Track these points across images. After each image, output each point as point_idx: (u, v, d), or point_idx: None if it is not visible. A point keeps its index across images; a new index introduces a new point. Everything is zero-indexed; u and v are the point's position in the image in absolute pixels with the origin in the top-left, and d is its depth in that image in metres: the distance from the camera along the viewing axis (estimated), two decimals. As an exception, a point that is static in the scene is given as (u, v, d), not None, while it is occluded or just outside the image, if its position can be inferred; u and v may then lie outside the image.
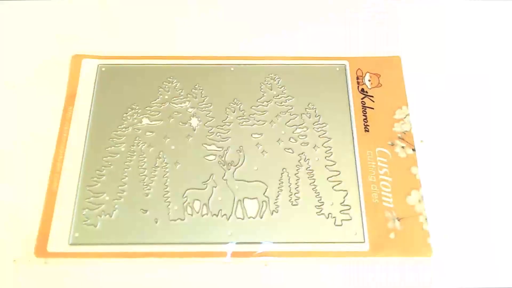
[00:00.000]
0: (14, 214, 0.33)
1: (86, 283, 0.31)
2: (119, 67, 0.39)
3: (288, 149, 0.36)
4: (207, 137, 0.36)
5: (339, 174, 0.35)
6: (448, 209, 0.34)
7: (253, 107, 0.37)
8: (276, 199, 0.34)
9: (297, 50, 0.40)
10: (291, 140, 0.36)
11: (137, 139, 0.36)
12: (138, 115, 0.37)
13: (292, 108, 0.37)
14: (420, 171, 0.35)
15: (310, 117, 0.37)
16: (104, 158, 0.35)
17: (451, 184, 0.35)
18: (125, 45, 0.40)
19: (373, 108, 0.37)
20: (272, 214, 0.33)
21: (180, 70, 0.39)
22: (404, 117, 0.37)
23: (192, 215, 0.33)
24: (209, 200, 0.34)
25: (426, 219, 0.33)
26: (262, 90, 0.38)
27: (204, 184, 0.34)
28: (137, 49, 0.40)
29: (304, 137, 0.36)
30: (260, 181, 0.35)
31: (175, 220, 0.33)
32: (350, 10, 0.43)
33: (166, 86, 0.38)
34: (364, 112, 0.37)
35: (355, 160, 0.35)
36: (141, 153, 0.35)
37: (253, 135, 0.36)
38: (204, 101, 0.38)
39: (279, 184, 0.34)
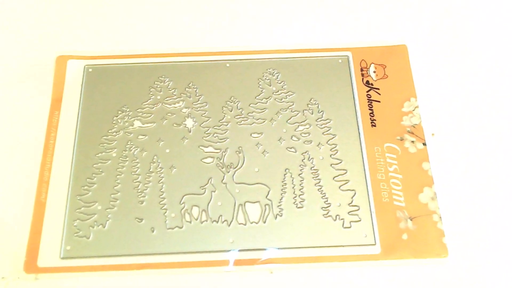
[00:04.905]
0: (0, 228, 0.33)
1: (80, 299, 0.32)
2: (107, 67, 0.39)
3: (291, 148, 0.36)
4: (204, 138, 0.36)
5: (346, 173, 0.35)
6: (464, 206, 0.34)
7: (251, 105, 0.37)
8: (279, 202, 0.34)
9: (296, 42, 0.40)
10: (293, 138, 0.36)
11: (129, 143, 0.36)
12: (129, 117, 0.37)
13: (293, 104, 0.37)
14: (432, 167, 0.35)
15: (312, 113, 0.37)
16: (94, 165, 0.35)
17: (466, 179, 0.35)
18: (113, 43, 0.40)
19: (379, 101, 0.37)
20: (276, 218, 0.33)
21: (172, 68, 0.39)
22: (413, 110, 0.37)
23: (190, 222, 0.33)
24: (208, 205, 0.34)
25: (440, 217, 0.33)
26: (260, 87, 0.38)
27: (202, 189, 0.34)
28: (126, 47, 0.40)
29: (307, 134, 0.36)
30: (261, 184, 0.35)
31: (172, 229, 0.33)
32: (351, -2, 0.43)
33: (158, 86, 0.38)
34: (370, 106, 0.37)
35: (363, 157, 0.35)
36: (134, 158, 0.35)
37: (253, 135, 0.36)
38: (199, 100, 0.38)
39: (282, 185, 0.34)
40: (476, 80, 0.39)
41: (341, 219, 0.33)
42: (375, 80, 0.38)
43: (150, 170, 0.35)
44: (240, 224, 0.33)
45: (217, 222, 0.33)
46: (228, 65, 0.39)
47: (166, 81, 0.38)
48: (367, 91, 0.38)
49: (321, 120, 0.37)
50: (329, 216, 0.33)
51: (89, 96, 0.37)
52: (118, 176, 0.35)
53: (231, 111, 0.37)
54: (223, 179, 0.35)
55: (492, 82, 0.39)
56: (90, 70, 0.38)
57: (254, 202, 0.34)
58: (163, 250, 0.32)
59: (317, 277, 0.32)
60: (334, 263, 0.32)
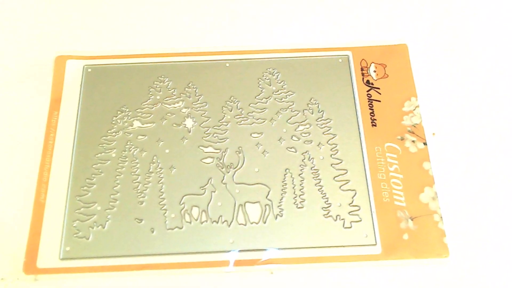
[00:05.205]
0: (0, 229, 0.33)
1: (80, 300, 0.32)
2: (106, 68, 0.39)
3: (291, 148, 0.36)
4: (204, 138, 0.36)
5: (346, 172, 0.35)
6: (465, 206, 0.34)
7: (251, 105, 0.37)
8: (279, 202, 0.34)
9: (296, 42, 0.40)
10: (294, 138, 0.36)
11: (128, 143, 0.36)
12: (129, 118, 0.37)
13: (293, 104, 0.37)
14: (433, 166, 0.35)
15: (312, 113, 0.37)
16: (94, 166, 0.35)
17: (467, 179, 0.35)
18: (112, 43, 0.40)
19: (380, 101, 0.37)
20: (276, 218, 0.33)
21: (172, 68, 0.39)
22: (414, 109, 0.37)
23: (190, 222, 0.33)
24: (208, 206, 0.34)
25: (441, 217, 0.33)
26: (260, 86, 0.38)
27: (202, 189, 0.34)
28: (125, 47, 0.40)
29: (307, 134, 0.36)
30: (262, 184, 0.34)
31: (172, 229, 0.33)
32: (351, -3, 0.43)
33: (157, 86, 0.38)
34: (371, 106, 0.37)
35: (363, 157, 0.35)
36: (134, 158, 0.35)
37: (253, 135, 0.36)
38: (198, 100, 0.37)
39: (283, 186, 0.34)
40: (476, 80, 0.39)
41: (342, 219, 0.33)
42: (376, 80, 0.38)
43: (150, 171, 0.35)
44: (240, 224, 0.33)
45: (217, 222, 0.33)
46: (227, 64, 0.39)
47: (166, 81, 0.38)
48: (368, 91, 0.38)
49: (321, 120, 0.37)
50: (329, 216, 0.33)
51: (88, 96, 0.37)
52: (117, 177, 0.34)
53: (231, 111, 0.37)
54: (223, 179, 0.35)
55: (493, 82, 0.39)
56: (89, 70, 0.38)
57: (254, 203, 0.34)
58: (163, 251, 0.32)
59: (318, 278, 0.32)
60: (334, 263, 0.32)
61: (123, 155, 0.35)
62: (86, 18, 0.41)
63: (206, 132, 0.36)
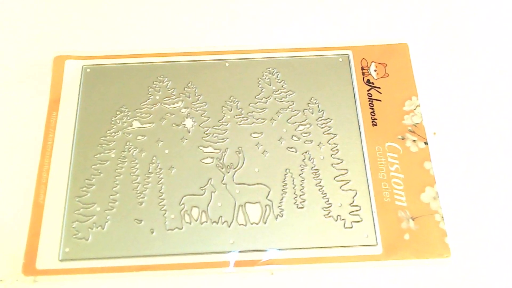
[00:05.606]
0: (-2, 230, 0.33)
1: (79, 301, 0.31)
2: (105, 68, 0.38)
3: (291, 148, 0.36)
4: (203, 138, 0.36)
5: (346, 172, 0.35)
6: (466, 205, 0.34)
7: (251, 105, 0.37)
8: (280, 203, 0.34)
9: (296, 41, 0.40)
10: (294, 138, 0.36)
11: (127, 144, 0.36)
12: (128, 118, 0.37)
13: (293, 103, 0.37)
14: (434, 166, 0.35)
15: (313, 113, 0.37)
16: (93, 166, 0.35)
17: (468, 178, 0.35)
18: (111, 43, 0.40)
19: (380, 100, 0.37)
20: (277, 218, 0.33)
21: (171, 67, 0.39)
22: (415, 109, 0.37)
23: (190, 223, 0.33)
24: (208, 206, 0.34)
25: (442, 217, 0.33)
26: (260, 86, 0.38)
27: (202, 190, 0.34)
28: (124, 47, 0.40)
29: (308, 134, 0.36)
30: (262, 184, 0.34)
31: (172, 230, 0.33)
32: (351, -4, 0.43)
33: (157, 86, 0.38)
34: (371, 105, 0.37)
35: (364, 157, 0.35)
36: (133, 159, 0.35)
37: (253, 135, 0.36)
38: (198, 100, 0.37)
39: (283, 186, 0.34)
40: (477, 79, 0.39)
41: (342, 219, 0.33)
42: (376, 79, 0.38)
43: (149, 171, 0.35)
44: (240, 225, 0.33)
45: (217, 223, 0.33)
46: (227, 64, 0.39)
47: (165, 81, 0.38)
48: (368, 90, 0.38)
49: (321, 120, 0.37)
50: (330, 216, 0.33)
51: (87, 97, 0.37)
52: (117, 177, 0.34)
53: (230, 111, 0.37)
54: (223, 180, 0.35)
55: (494, 81, 0.39)
56: (88, 70, 0.38)
57: (255, 203, 0.34)
58: (162, 252, 0.32)
59: (318, 278, 0.32)
60: (335, 263, 0.32)
61: (123, 155, 0.35)
62: (85, 18, 0.41)
63: (205, 132, 0.36)
